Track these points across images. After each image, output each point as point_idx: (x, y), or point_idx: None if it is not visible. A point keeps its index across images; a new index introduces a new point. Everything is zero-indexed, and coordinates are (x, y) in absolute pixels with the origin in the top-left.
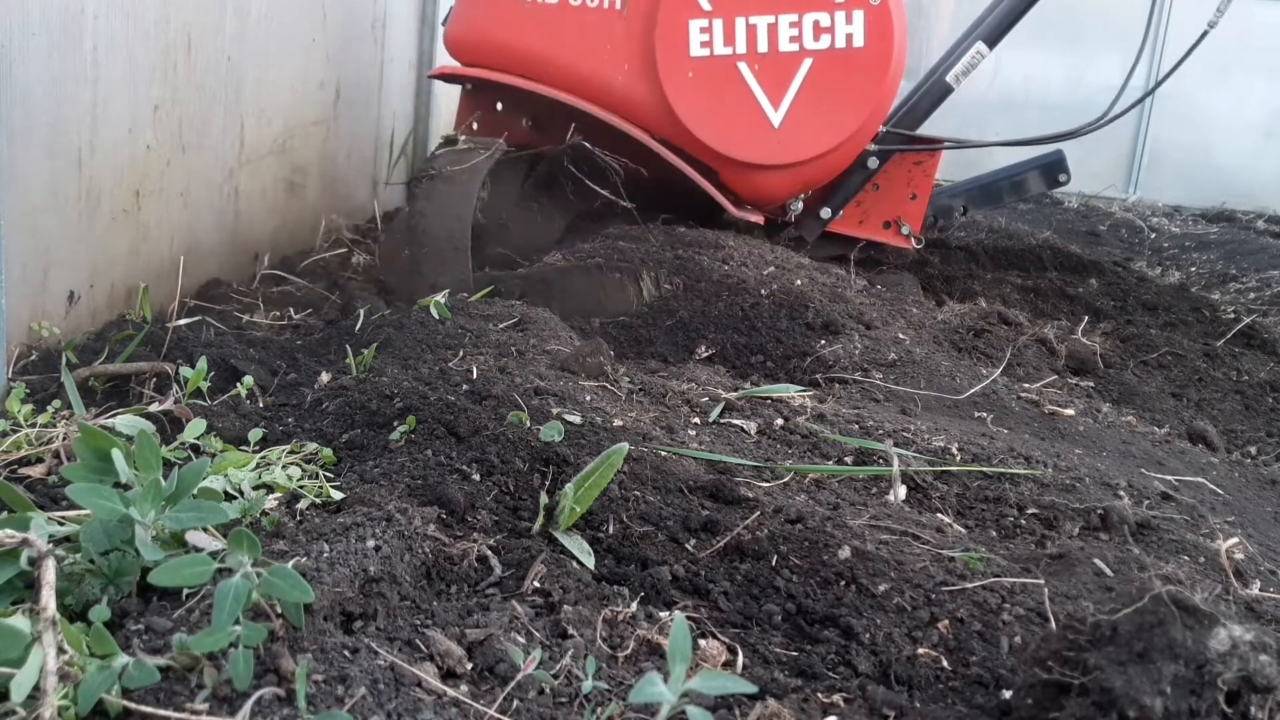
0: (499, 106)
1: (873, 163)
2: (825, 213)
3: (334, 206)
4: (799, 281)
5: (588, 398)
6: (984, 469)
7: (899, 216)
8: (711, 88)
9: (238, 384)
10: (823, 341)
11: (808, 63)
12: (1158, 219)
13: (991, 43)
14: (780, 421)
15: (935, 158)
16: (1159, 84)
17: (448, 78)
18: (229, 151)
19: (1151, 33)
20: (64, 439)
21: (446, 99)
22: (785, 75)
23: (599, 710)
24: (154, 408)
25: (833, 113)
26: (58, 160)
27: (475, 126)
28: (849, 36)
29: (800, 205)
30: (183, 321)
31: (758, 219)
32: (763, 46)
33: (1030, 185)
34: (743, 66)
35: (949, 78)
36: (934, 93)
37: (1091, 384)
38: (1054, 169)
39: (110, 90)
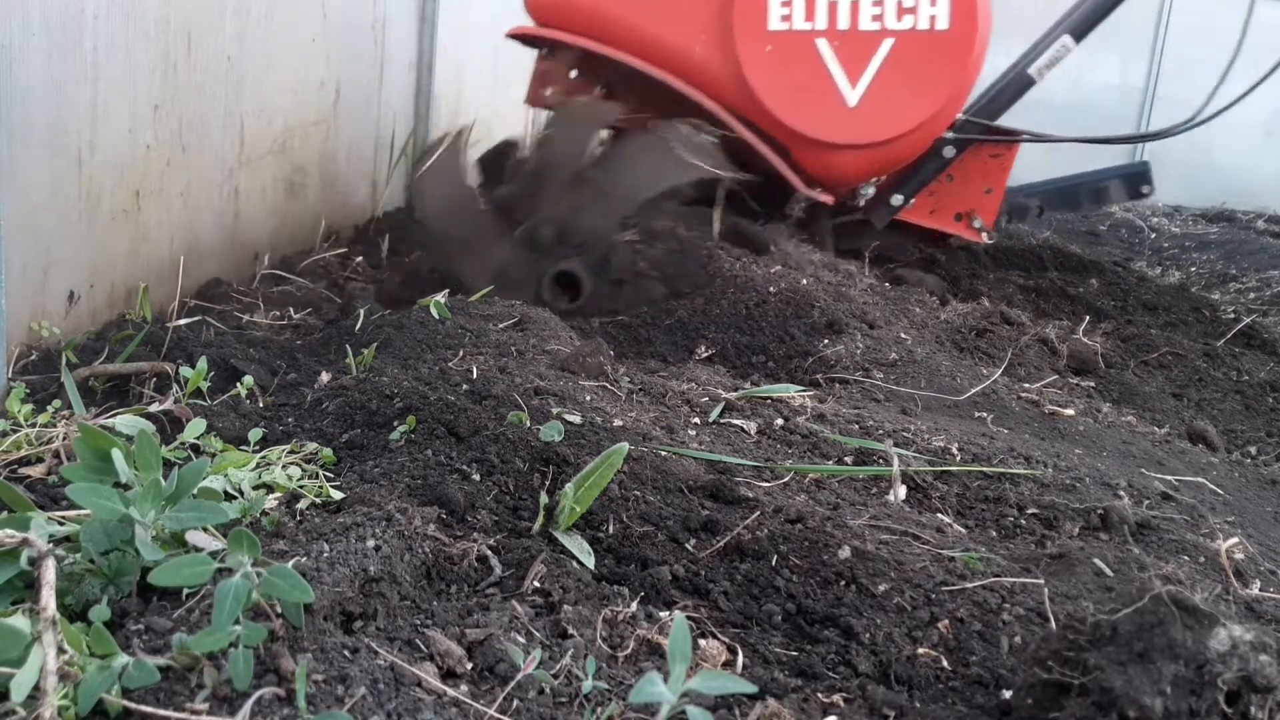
0: (573, 73)
1: (949, 152)
2: (897, 199)
3: (334, 206)
4: (805, 281)
5: (588, 398)
6: (984, 469)
7: (973, 210)
8: (788, 63)
9: (238, 384)
10: (825, 341)
11: (889, 42)
12: (1158, 219)
13: (1079, 36)
14: (780, 421)
15: (1013, 152)
16: (1251, 89)
17: (526, 38)
18: (229, 151)
19: (1160, 36)
20: (64, 439)
21: (446, 99)
22: (865, 54)
23: (599, 710)
24: (154, 408)
25: (911, 95)
26: (58, 160)
27: (549, 92)
28: (933, 18)
29: (871, 190)
30: (183, 321)
31: (828, 199)
32: (843, 23)
33: (1111, 194)
34: (821, 43)
35: (1032, 70)
36: (1015, 85)
37: (1092, 384)
38: (1138, 180)
39: (110, 90)
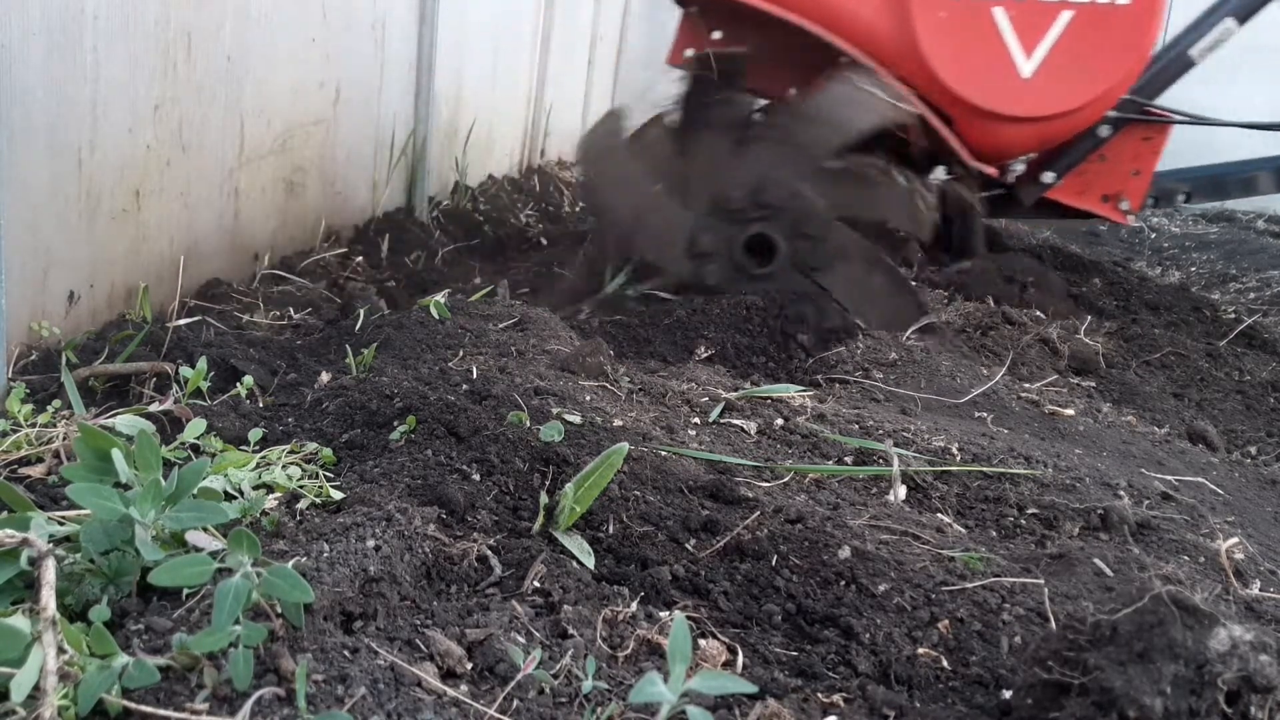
0: (716, 35)
1: (1104, 131)
2: (1048, 177)
3: (334, 206)
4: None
5: (588, 398)
6: (984, 469)
7: (1120, 191)
8: (963, 30)
9: (238, 384)
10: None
11: (1068, 14)
12: (1158, 219)
13: (1242, 20)
14: (780, 421)
15: (1164, 134)
16: None
17: None
18: (229, 151)
19: (1161, 36)
20: (64, 439)
21: (446, 99)
22: (1042, 24)
23: (599, 710)
24: (154, 408)
25: (1087, 69)
26: (58, 160)
27: (689, 54)
28: None
29: (1022, 167)
30: (183, 321)
31: (992, 172)
32: None
33: (1260, 185)
34: (998, 11)
35: (1193, 52)
36: (1175, 67)
37: (1093, 384)
38: None
39: (110, 90)
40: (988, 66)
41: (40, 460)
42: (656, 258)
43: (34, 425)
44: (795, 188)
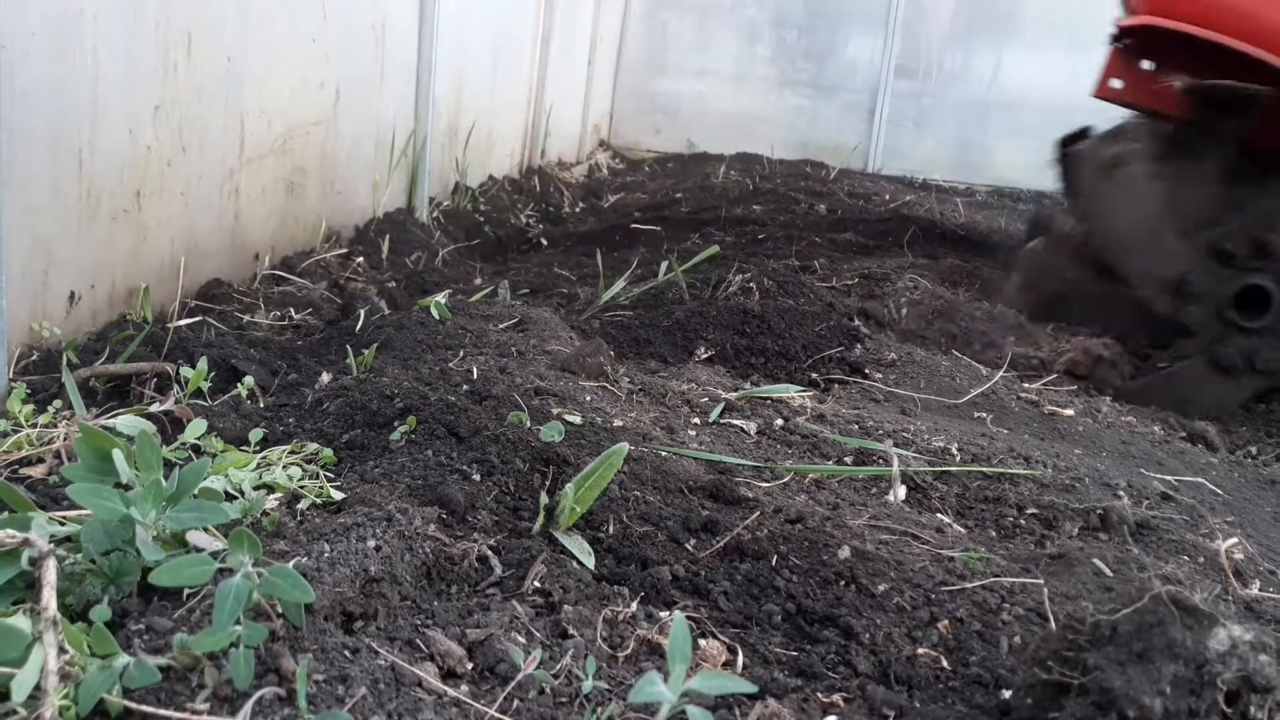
0: (1146, 64)
1: None
2: None
3: (334, 207)
4: (805, 279)
5: (588, 398)
6: (984, 469)
7: None
8: None
9: (238, 384)
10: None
11: None
12: None
13: None
14: (780, 422)
15: None
16: None
17: (1128, 32)
18: (229, 152)
19: None
20: (65, 439)
21: (447, 101)
22: None
23: (599, 710)
24: (155, 408)
25: None
26: (58, 161)
27: (1118, 85)
28: None
29: None
30: (183, 322)
31: None
32: None
33: None
34: None
35: None
36: None
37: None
38: None
39: (110, 90)
40: None
41: (41, 460)
42: (1140, 284)
43: (35, 425)
44: None
